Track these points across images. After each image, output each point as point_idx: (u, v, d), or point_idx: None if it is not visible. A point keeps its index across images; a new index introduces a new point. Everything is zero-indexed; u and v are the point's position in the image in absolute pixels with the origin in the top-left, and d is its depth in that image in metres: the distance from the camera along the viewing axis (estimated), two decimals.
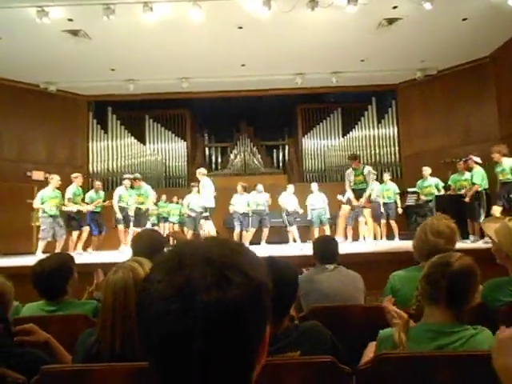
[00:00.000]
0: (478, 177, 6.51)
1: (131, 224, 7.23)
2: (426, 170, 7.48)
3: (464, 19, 6.99)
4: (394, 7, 6.60)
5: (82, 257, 6.01)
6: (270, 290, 0.55)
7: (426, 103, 9.68)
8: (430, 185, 7.43)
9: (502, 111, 8.39)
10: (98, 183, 7.51)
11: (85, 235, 6.89)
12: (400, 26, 7.16)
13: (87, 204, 7.04)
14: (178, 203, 8.65)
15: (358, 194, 6.54)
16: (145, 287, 0.52)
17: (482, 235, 5.90)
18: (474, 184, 6.52)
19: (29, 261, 4.90)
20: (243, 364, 0.52)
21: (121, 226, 7.21)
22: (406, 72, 9.29)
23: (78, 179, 6.89)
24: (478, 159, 6.62)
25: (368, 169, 6.56)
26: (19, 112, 9.07)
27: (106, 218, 7.42)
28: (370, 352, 1.71)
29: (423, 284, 1.43)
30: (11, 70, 8.45)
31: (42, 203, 6.36)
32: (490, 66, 8.62)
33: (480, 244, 5.88)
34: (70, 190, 6.73)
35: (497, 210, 5.96)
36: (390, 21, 7.04)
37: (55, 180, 6.55)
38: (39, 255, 5.95)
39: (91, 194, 7.24)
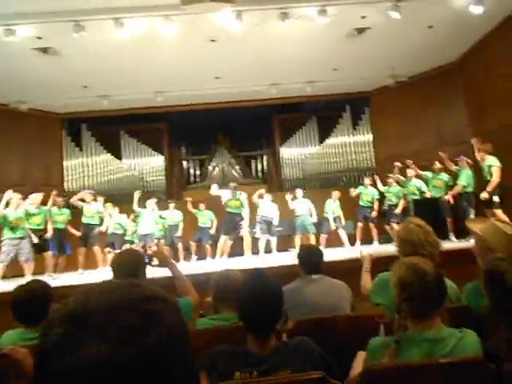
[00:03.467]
0: (463, 177, 6.83)
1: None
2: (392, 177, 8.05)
3: (430, 27, 7.22)
4: (363, 17, 6.76)
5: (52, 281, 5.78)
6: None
7: (398, 109, 9.91)
8: (391, 192, 8.05)
9: (471, 114, 8.66)
10: (59, 199, 7.28)
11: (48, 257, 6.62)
12: (369, 35, 7.34)
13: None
14: (161, 217, 8.52)
15: None
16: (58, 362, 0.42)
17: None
18: (456, 184, 6.83)
19: (7, 286, 4.73)
20: None
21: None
22: (378, 79, 9.50)
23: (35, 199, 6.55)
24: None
25: None
26: None
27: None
28: (359, 362, 1.70)
29: (408, 304, 1.41)
30: None
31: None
32: (457, 71, 8.90)
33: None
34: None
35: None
36: (360, 30, 7.21)
37: (16, 198, 6.20)
38: None
39: (54, 210, 7.01)
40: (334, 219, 8.30)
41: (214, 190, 7.56)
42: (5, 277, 5.95)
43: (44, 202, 6.83)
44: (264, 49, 7.47)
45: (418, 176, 7.58)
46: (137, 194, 7.68)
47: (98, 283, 0.51)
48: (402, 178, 7.87)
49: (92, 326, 0.44)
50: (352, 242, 8.20)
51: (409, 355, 1.36)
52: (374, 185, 8.43)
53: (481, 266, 1.91)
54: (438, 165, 7.38)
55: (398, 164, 7.87)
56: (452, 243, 6.44)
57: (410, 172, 7.61)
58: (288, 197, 8.27)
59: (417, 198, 7.55)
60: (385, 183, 8.23)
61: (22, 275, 5.93)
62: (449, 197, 7.08)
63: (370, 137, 10.73)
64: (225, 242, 7.33)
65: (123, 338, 0.43)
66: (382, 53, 8.04)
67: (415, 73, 9.41)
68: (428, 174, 7.48)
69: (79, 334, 0.43)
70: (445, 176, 7.37)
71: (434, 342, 1.37)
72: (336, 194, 8.49)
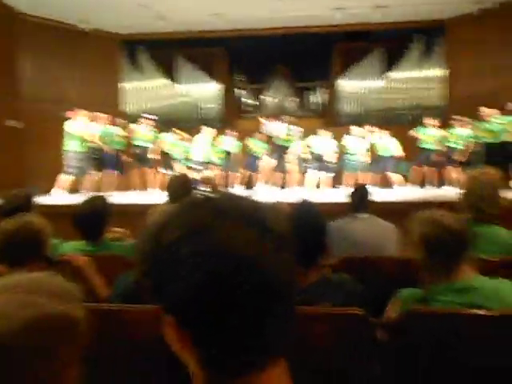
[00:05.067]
0: None
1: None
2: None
3: None
4: None
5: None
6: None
7: (477, 41, 8.80)
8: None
9: None
10: (122, 120, 7.68)
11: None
12: None
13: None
14: (216, 145, 8.55)
15: None
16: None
17: None
18: None
19: (70, 199, 5.13)
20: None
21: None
22: (458, 5, 8.43)
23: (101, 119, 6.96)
24: None
25: None
26: (54, 52, 9.09)
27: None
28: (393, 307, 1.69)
29: (433, 260, 1.37)
30: (44, 8, 8.34)
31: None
32: None
33: None
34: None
35: None
36: None
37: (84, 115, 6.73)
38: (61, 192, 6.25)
39: (115, 130, 7.32)
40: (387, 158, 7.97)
41: (267, 127, 7.57)
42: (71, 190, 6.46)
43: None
44: None
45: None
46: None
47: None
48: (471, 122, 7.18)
49: (227, 214, 0.47)
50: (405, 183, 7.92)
51: (439, 306, 1.34)
52: (439, 126, 7.84)
53: None
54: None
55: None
56: None
57: (489, 112, 6.91)
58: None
59: (491, 141, 6.92)
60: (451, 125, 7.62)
61: (77, 190, 6.40)
62: None
63: (441, 72, 9.79)
64: (271, 169, 7.49)
65: (263, 229, 0.47)
66: None
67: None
68: (505, 117, 6.80)
69: (214, 220, 0.47)
70: None
71: (464, 292, 1.33)
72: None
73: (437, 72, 9.82)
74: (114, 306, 1.39)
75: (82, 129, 6.53)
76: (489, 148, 6.80)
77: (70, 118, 6.58)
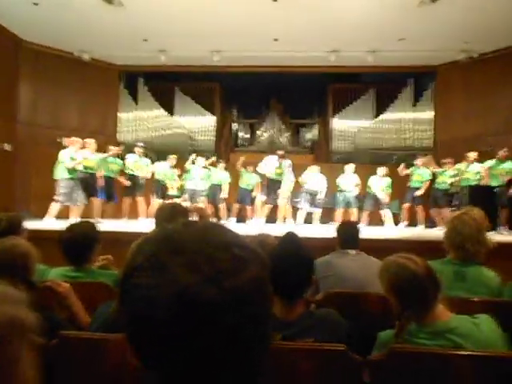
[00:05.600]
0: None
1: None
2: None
3: None
4: None
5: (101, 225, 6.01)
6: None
7: (466, 87, 9.21)
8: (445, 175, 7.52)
9: None
10: (117, 148, 7.52)
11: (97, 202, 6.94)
12: (444, 4, 6.77)
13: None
14: (209, 176, 8.60)
15: None
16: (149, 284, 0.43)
17: None
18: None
19: (60, 225, 5.07)
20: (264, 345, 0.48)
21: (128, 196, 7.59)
22: (447, 53, 8.83)
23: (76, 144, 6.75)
24: None
25: None
26: (54, 79, 9.25)
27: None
28: None
29: (408, 310, 1.36)
30: (47, 37, 8.58)
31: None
32: None
33: None
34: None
35: None
36: None
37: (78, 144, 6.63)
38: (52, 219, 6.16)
39: (109, 159, 7.26)
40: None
41: (261, 168, 7.72)
42: (58, 217, 6.37)
43: (97, 150, 7.12)
44: (328, 12, 7.12)
45: (478, 161, 7.11)
46: (192, 156, 8.08)
47: (192, 221, 0.52)
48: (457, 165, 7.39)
49: (185, 252, 0.44)
50: (395, 222, 7.97)
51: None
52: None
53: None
54: (503, 152, 6.90)
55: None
56: (502, 236, 6.11)
57: (471, 155, 7.12)
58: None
59: (473, 184, 7.10)
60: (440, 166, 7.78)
61: (68, 217, 6.32)
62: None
63: (430, 115, 10.11)
64: (263, 203, 7.50)
65: (215, 274, 0.43)
66: (456, 25, 7.42)
67: (489, 49, 8.64)
68: (489, 162, 7.01)
69: (169, 256, 0.44)
70: (509, 164, 6.88)
71: (437, 334, 1.32)
72: (382, 170, 8.10)
73: (427, 115, 10.13)
74: (94, 335, 1.36)
75: (75, 157, 6.49)
76: (474, 191, 6.94)
77: (65, 147, 6.54)
